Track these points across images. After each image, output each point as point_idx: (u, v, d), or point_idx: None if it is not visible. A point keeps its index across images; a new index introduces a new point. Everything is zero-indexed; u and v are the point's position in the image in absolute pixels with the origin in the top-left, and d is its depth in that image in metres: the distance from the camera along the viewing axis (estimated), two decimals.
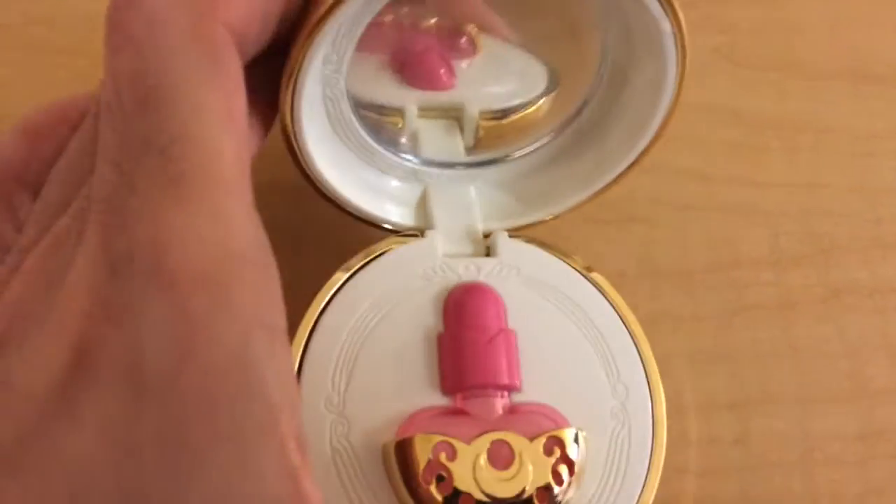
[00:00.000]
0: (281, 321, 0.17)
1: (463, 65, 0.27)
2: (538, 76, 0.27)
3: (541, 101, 0.27)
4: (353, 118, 0.25)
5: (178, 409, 0.15)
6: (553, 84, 0.27)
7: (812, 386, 0.28)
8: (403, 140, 0.27)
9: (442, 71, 0.27)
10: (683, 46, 0.23)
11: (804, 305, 0.30)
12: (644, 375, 0.24)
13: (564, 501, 0.22)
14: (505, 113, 0.27)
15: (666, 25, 0.23)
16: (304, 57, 0.21)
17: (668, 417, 0.26)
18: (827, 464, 0.27)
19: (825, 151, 0.33)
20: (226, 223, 0.16)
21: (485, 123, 0.27)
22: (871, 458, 0.27)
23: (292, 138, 0.23)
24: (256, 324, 0.16)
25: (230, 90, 0.17)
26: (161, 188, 0.16)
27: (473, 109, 0.27)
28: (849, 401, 0.28)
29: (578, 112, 0.27)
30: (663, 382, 0.25)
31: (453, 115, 0.27)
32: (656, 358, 0.26)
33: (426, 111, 0.27)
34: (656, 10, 0.23)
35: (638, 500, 0.23)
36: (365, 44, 0.23)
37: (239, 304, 0.16)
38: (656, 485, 0.23)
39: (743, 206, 0.32)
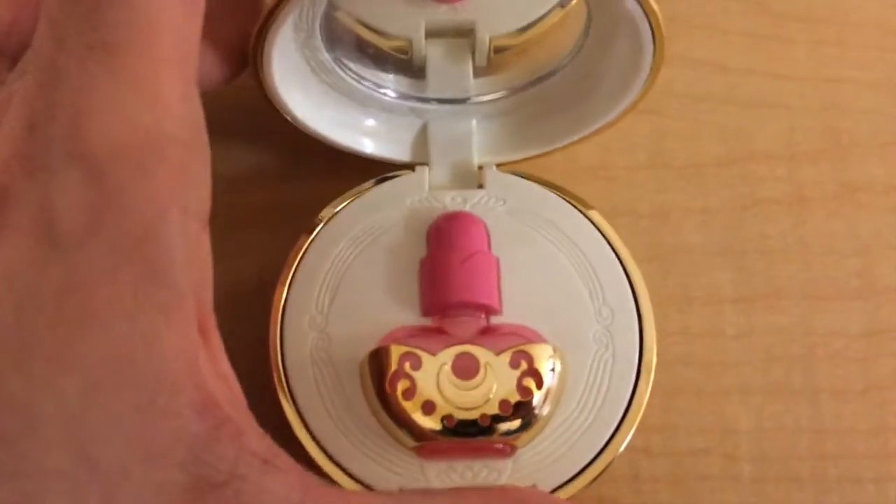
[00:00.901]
0: (203, 206, 0.17)
1: None
2: None
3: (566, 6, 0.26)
4: (342, 61, 0.26)
5: (84, 274, 0.15)
6: None
7: (819, 283, 0.28)
8: (407, 66, 0.27)
9: None
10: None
11: (816, 201, 0.29)
12: (633, 302, 0.24)
13: (533, 416, 0.22)
14: (522, 29, 0.26)
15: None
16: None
17: (673, 311, 0.27)
18: (829, 360, 0.27)
19: (850, 46, 0.32)
20: (156, 101, 0.16)
21: (498, 42, 0.26)
22: (875, 355, 0.27)
23: (264, 83, 0.24)
24: (174, 205, 0.16)
25: None
26: (90, 49, 0.16)
27: (486, 27, 0.25)
28: (855, 298, 0.28)
29: (577, 51, 0.27)
30: (669, 276, 0.26)
31: (465, 33, 0.26)
32: (663, 250, 0.26)
33: (435, 33, 0.25)
34: None
35: (619, 424, 0.23)
36: None
37: (158, 184, 0.16)
38: (641, 410, 0.23)
39: (761, 99, 0.31)
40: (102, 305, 0.15)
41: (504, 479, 0.22)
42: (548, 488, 0.22)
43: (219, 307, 0.19)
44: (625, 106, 0.26)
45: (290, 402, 0.23)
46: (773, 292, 0.28)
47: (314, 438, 0.23)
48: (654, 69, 0.24)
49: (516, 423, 0.22)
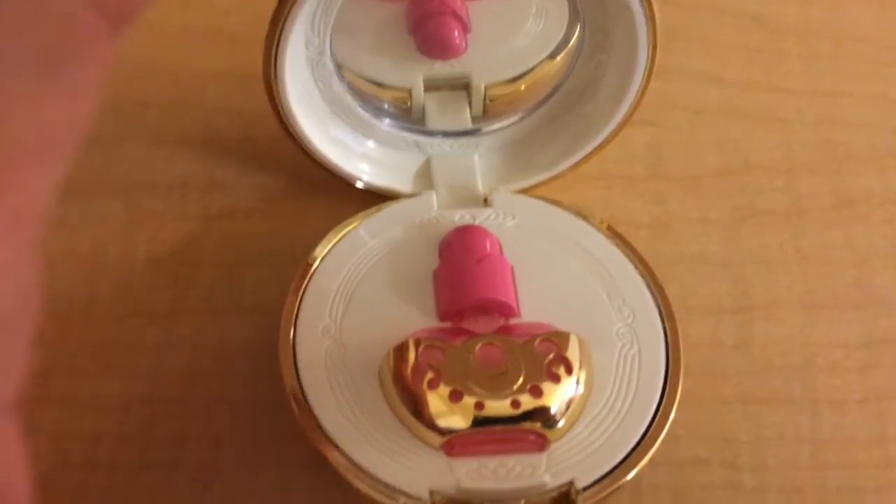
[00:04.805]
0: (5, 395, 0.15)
1: (474, 22, 0.27)
2: (553, 27, 0.27)
3: (557, 58, 0.27)
4: (347, 96, 0.26)
5: None
6: (571, 31, 0.27)
7: (818, 293, 0.28)
8: (407, 114, 0.28)
9: (456, 34, 0.27)
10: (651, 8, 0.24)
11: (814, 213, 0.29)
12: (654, 303, 0.24)
13: (566, 402, 0.22)
14: (515, 78, 0.27)
15: None
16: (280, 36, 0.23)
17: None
18: (828, 370, 0.26)
19: (846, 59, 0.32)
20: None
21: (493, 91, 0.27)
22: (874, 366, 0.27)
23: (283, 118, 0.25)
24: None
25: None
26: None
27: (481, 79, 0.27)
28: (854, 309, 0.27)
29: (569, 73, 0.27)
30: (668, 286, 0.25)
31: (461, 85, 0.27)
32: (662, 260, 0.26)
33: (433, 83, 0.27)
34: None
35: (656, 413, 0.23)
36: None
37: None
38: (677, 398, 0.23)
39: (757, 111, 0.31)
40: None
41: (540, 475, 0.21)
42: (586, 482, 0.21)
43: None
44: (621, 117, 0.26)
45: (307, 410, 0.22)
46: (772, 302, 0.27)
47: (336, 447, 0.22)
48: (649, 72, 0.25)
49: (549, 410, 0.21)
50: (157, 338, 0.26)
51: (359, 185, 0.27)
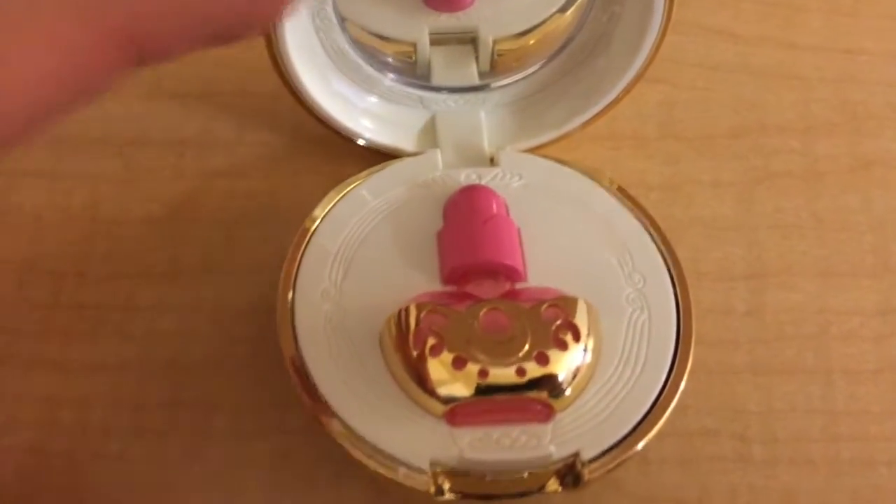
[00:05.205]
0: None
1: None
2: None
3: (568, 11, 0.26)
4: (350, 49, 0.26)
5: None
6: None
7: (833, 259, 0.27)
8: (411, 68, 0.27)
9: None
10: None
11: (831, 176, 0.28)
12: (665, 268, 0.24)
13: (573, 370, 0.21)
14: (524, 32, 0.26)
15: None
16: None
17: None
18: (843, 339, 0.26)
19: (866, 15, 0.31)
20: None
21: (502, 46, 0.26)
22: (890, 334, 0.26)
23: (282, 70, 0.24)
24: None
25: None
26: None
27: (489, 33, 0.26)
28: (871, 276, 0.27)
29: (581, 26, 0.27)
30: (679, 250, 0.24)
31: (468, 39, 0.26)
32: (673, 224, 0.25)
33: (439, 37, 0.26)
34: None
35: (665, 383, 0.22)
36: None
37: None
38: (688, 366, 0.22)
39: (774, 69, 0.30)
40: None
41: (545, 446, 0.21)
42: (593, 453, 0.21)
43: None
44: (634, 72, 0.25)
45: (305, 376, 0.22)
46: (786, 268, 0.27)
47: (335, 415, 0.21)
48: (665, 24, 0.24)
49: (555, 378, 0.21)
50: (151, 299, 0.26)
51: (360, 142, 0.27)
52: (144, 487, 0.23)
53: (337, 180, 0.25)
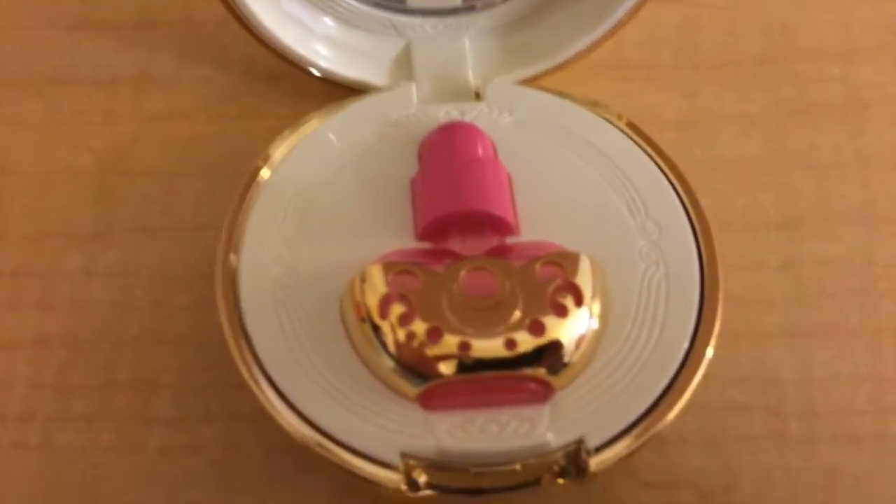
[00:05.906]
0: None
1: None
2: None
3: None
4: None
5: None
6: None
7: (880, 203, 0.26)
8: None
9: None
10: None
11: (876, 107, 0.27)
12: (685, 214, 0.22)
13: (574, 341, 0.20)
14: None
15: None
16: None
17: None
18: (892, 294, 0.24)
19: None
20: None
21: None
22: None
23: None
24: None
25: None
26: None
27: None
28: None
29: None
30: (700, 197, 0.23)
31: None
32: (694, 166, 0.24)
33: None
34: None
35: (686, 357, 0.21)
36: None
37: None
38: (713, 337, 0.21)
39: None
40: None
41: (540, 433, 0.19)
42: (599, 440, 0.19)
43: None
44: None
45: (251, 356, 0.20)
46: (825, 215, 0.26)
47: (287, 403, 0.20)
48: None
49: (553, 351, 0.19)
50: (79, 263, 0.25)
51: (316, 73, 0.25)
52: (71, 482, 0.22)
53: (293, 121, 0.24)
